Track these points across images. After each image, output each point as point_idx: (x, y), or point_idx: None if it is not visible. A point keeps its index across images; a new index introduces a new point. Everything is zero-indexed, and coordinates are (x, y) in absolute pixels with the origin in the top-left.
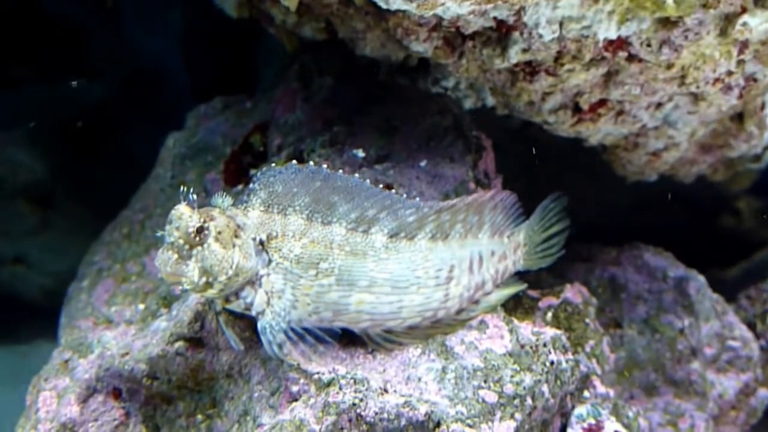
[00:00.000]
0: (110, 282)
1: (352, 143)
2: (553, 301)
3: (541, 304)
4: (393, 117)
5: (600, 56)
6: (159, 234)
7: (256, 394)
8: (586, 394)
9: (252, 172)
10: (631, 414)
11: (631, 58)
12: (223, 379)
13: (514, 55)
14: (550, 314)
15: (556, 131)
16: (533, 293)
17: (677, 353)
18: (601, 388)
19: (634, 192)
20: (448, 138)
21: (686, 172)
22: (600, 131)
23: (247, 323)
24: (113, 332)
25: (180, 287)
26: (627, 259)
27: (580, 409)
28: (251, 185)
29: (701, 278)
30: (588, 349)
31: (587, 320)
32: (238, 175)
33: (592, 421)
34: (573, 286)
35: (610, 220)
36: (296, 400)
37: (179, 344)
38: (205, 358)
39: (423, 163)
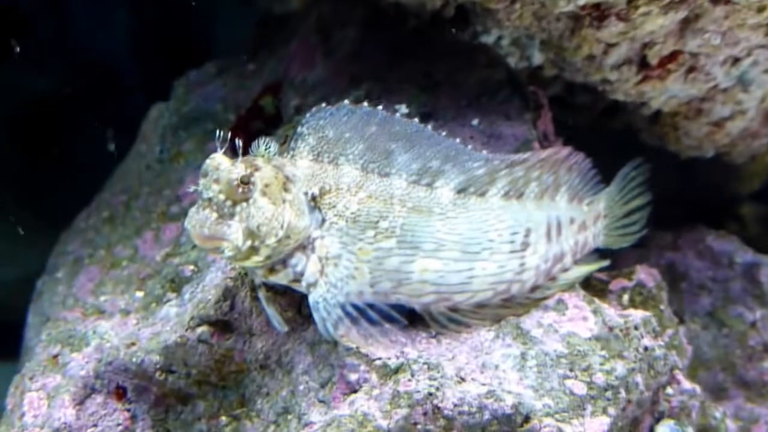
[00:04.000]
0: (94, 270)
1: (389, 101)
2: (626, 283)
3: (612, 286)
4: (434, 71)
5: None
6: (192, 189)
7: (301, 387)
8: (669, 390)
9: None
10: (718, 414)
11: None
12: (257, 371)
13: None
14: (626, 297)
15: (616, 92)
16: (601, 275)
17: (748, 350)
18: (686, 384)
19: None
20: (502, 93)
21: (745, 146)
22: (666, 91)
23: (288, 300)
24: (110, 322)
25: (219, 254)
26: (687, 244)
27: (662, 429)
28: (298, 129)
29: None
30: (666, 339)
31: (662, 306)
32: (247, 143)
33: None
34: (643, 267)
35: None
36: (355, 391)
37: (203, 329)
38: (234, 346)
39: (475, 122)
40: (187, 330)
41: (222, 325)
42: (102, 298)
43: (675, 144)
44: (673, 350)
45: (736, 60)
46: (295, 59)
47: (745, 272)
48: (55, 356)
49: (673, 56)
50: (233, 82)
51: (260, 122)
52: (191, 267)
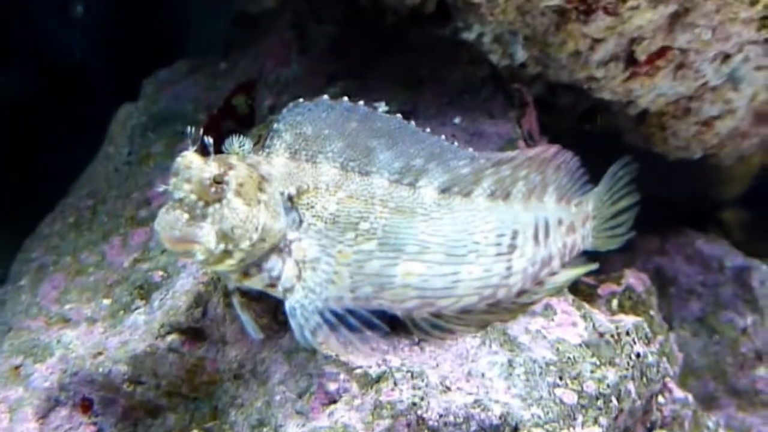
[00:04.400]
0: (59, 277)
1: (367, 99)
2: (615, 288)
3: (601, 291)
4: (414, 68)
5: None
6: (162, 189)
7: (277, 398)
8: (661, 399)
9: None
10: (711, 424)
11: None
12: (230, 382)
13: None
14: (615, 302)
15: (602, 90)
16: (588, 279)
17: (740, 357)
18: (678, 392)
19: None
20: (486, 91)
21: (734, 147)
22: (655, 89)
23: (264, 306)
24: (75, 331)
25: (190, 258)
26: (675, 248)
27: None
28: (274, 125)
29: (765, 267)
30: (657, 345)
31: (652, 312)
32: (218, 143)
33: None
34: (632, 271)
35: None
36: (335, 401)
37: (173, 337)
38: (206, 355)
39: (457, 120)
40: (156, 338)
41: (193, 333)
42: (67, 306)
43: (662, 145)
44: (664, 357)
45: (726, 56)
46: (270, 56)
47: (736, 277)
48: (17, 367)
49: (661, 52)
50: (205, 81)
51: (232, 122)
52: (161, 273)
